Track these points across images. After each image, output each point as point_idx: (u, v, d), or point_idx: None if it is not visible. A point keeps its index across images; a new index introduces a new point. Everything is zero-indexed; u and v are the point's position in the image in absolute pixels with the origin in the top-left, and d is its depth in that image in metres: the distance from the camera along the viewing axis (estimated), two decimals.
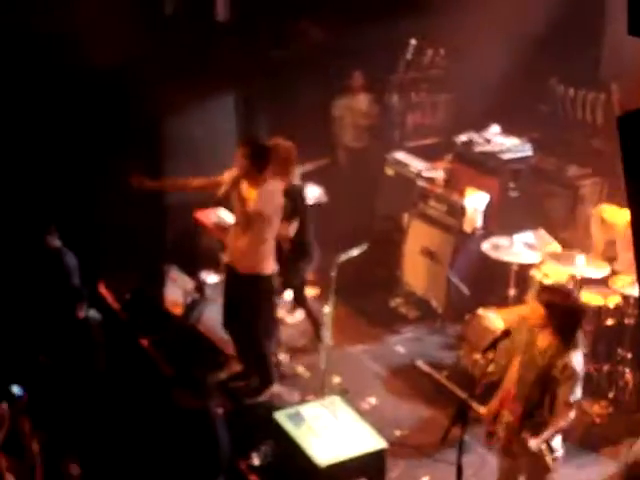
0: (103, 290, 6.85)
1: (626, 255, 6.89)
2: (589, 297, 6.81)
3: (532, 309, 5.11)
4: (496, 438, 5.23)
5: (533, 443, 4.96)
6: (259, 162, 6.44)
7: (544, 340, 5.07)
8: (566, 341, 5.01)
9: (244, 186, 6.51)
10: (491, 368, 5.65)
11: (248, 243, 6.45)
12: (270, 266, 6.61)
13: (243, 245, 6.47)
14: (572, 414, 5.00)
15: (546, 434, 5.01)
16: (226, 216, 8.21)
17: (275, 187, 6.56)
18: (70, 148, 8.33)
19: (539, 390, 5.05)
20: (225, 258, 6.93)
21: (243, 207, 6.47)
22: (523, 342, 5.17)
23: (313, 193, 9.01)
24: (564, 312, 5.03)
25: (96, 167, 8.49)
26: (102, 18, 7.83)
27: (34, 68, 8.05)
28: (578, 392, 5.02)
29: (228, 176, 6.48)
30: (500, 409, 5.18)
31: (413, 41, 9.48)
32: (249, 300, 6.61)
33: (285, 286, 7.28)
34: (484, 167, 8.48)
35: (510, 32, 8.88)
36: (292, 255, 7.10)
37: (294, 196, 6.93)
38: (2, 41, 7.84)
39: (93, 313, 7.31)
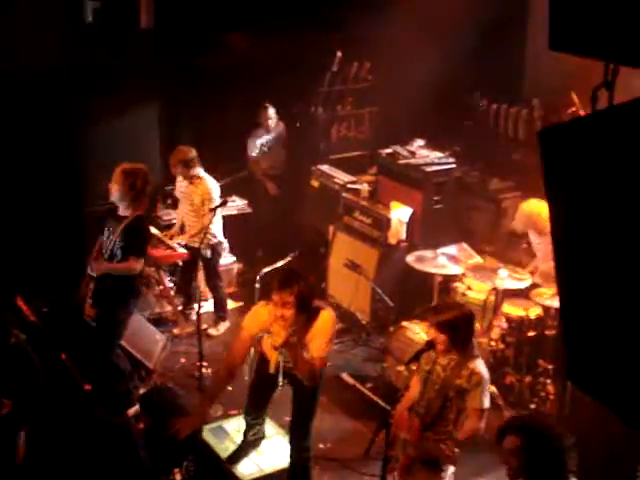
0: (20, 303, 6.66)
1: (545, 265, 7.01)
2: (511, 309, 6.90)
3: (434, 336, 5.14)
4: (395, 460, 5.23)
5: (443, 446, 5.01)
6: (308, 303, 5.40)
7: (445, 356, 5.12)
8: (463, 349, 5.07)
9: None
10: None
11: None
12: None
13: None
14: (483, 423, 5.04)
15: (457, 441, 5.05)
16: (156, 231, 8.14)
17: None
18: None
19: (440, 403, 5.08)
20: None
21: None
22: (428, 362, 5.21)
23: (237, 204, 9.00)
24: (460, 329, 5.08)
25: (13, 175, 8.30)
26: (20, 24, 7.66)
27: None
28: (487, 399, 5.08)
29: (254, 325, 5.56)
30: (396, 432, 5.17)
31: (339, 54, 9.51)
32: None
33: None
34: (408, 180, 8.53)
35: (435, 46, 8.96)
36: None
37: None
38: None
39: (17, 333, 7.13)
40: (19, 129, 8.24)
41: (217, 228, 8.03)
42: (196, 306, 7.21)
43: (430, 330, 5.19)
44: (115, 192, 6.45)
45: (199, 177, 7.94)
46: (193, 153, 7.91)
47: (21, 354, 5.63)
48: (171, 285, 8.45)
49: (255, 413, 6.03)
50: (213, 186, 7.93)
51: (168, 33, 8.96)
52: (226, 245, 8.24)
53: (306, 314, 5.28)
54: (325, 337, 5.33)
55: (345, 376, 7.42)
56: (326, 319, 5.37)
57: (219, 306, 8.32)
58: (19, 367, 5.53)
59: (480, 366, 5.08)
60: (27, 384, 5.56)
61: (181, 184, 8.16)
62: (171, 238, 8.21)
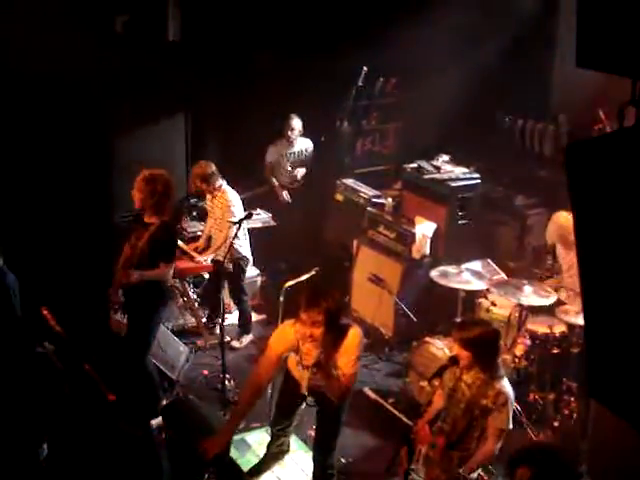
0: (46, 312, 6.69)
1: (571, 280, 6.97)
2: (535, 325, 6.85)
3: (457, 352, 5.12)
4: (416, 474, 5.21)
5: (473, 475, 4.98)
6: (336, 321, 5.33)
7: (469, 374, 5.10)
8: (491, 372, 5.05)
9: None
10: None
11: None
12: None
13: None
14: (500, 443, 5.03)
15: (474, 463, 5.03)
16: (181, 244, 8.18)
17: None
18: (18, 166, 8.23)
19: (466, 422, 5.07)
20: None
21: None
22: (451, 378, 5.19)
23: (261, 217, 9.02)
24: (485, 347, 5.07)
25: (44, 186, 8.39)
26: (52, 35, 7.74)
27: None
28: (510, 420, 5.06)
29: (281, 344, 5.48)
30: (416, 446, 5.15)
31: (365, 69, 9.53)
32: None
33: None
34: (433, 195, 8.52)
35: (461, 62, 8.98)
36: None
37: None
38: None
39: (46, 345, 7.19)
40: (48, 139, 8.34)
41: (242, 242, 8.05)
42: (220, 318, 7.21)
43: (454, 346, 5.17)
44: (137, 199, 6.49)
45: (220, 190, 7.98)
46: (212, 168, 7.93)
47: (47, 363, 5.67)
48: (195, 297, 8.48)
49: (281, 425, 6.02)
50: (233, 198, 7.95)
51: (196, 46, 9.03)
52: (250, 259, 8.25)
53: (335, 332, 5.24)
54: (353, 354, 5.29)
55: (367, 391, 7.40)
56: (354, 336, 5.33)
57: (243, 319, 8.34)
58: (44, 376, 5.57)
59: (506, 387, 5.06)
60: (51, 393, 5.59)
61: (207, 197, 8.21)
62: (197, 250, 8.25)
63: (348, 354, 5.28)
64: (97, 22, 8.64)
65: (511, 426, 5.07)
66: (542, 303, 6.84)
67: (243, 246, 8.08)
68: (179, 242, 8.13)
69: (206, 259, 8.09)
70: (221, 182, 7.99)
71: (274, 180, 9.56)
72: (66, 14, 7.92)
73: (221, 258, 7.85)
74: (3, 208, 7.94)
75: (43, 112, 8.20)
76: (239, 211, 7.91)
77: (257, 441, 6.46)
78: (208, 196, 8.14)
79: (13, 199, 8.14)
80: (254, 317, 8.47)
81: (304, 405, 5.74)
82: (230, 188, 8.05)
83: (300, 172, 9.57)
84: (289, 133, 9.40)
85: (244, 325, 8.32)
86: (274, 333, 5.58)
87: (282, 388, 5.87)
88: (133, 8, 8.92)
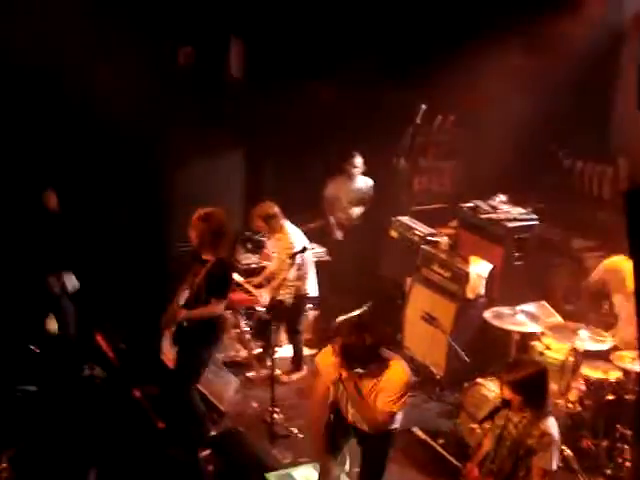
0: (99, 338, 6.78)
1: (627, 330, 6.84)
2: (590, 371, 6.73)
3: (507, 395, 5.04)
4: None
5: None
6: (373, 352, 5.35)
7: (516, 413, 5.03)
8: (537, 412, 4.97)
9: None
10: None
11: None
12: None
13: None
14: None
15: None
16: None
17: None
18: (81, 196, 8.38)
19: (512, 462, 5.00)
20: None
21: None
22: (500, 419, 5.12)
23: (316, 251, 9.03)
24: (534, 387, 5.00)
25: (106, 216, 8.53)
26: (114, 64, 7.91)
27: (47, 119, 8.14)
28: (555, 461, 4.97)
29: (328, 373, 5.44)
30: None
31: (423, 106, 9.54)
32: None
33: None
34: (489, 234, 8.46)
35: (521, 101, 8.95)
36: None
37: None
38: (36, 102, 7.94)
39: (98, 371, 7.29)
40: (109, 169, 8.49)
41: (309, 280, 8.06)
42: (271, 351, 7.22)
43: (504, 389, 5.09)
44: (194, 237, 6.57)
45: (282, 231, 7.99)
46: (274, 209, 7.92)
47: (92, 387, 5.73)
48: (247, 329, 8.50)
49: (328, 459, 5.98)
50: (295, 240, 7.92)
51: (256, 81, 9.14)
52: (316, 295, 8.22)
53: (374, 363, 5.24)
54: (394, 393, 5.25)
55: (416, 430, 7.32)
56: (398, 374, 5.29)
57: (296, 356, 8.31)
58: (88, 400, 5.62)
59: (552, 427, 4.98)
60: (95, 417, 5.64)
61: (268, 237, 8.22)
62: (252, 284, 8.26)
63: (389, 391, 5.25)
64: (160, 54, 8.81)
65: (555, 467, 4.97)
66: (598, 348, 6.72)
67: (309, 283, 8.07)
68: (236, 276, 8.20)
69: (262, 295, 8.09)
70: (282, 223, 8.00)
71: (331, 217, 9.57)
72: (130, 45, 8.07)
73: (282, 297, 7.88)
74: (68, 236, 8.09)
75: (104, 143, 8.37)
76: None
77: (304, 476, 6.42)
78: (269, 235, 8.15)
79: (77, 228, 8.29)
80: (305, 351, 8.46)
81: (351, 441, 5.71)
82: (293, 228, 8.05)
83: (357, 211, 9.58)
84: (351, 170, 9.43)
85: (296, 361, 8.29)
86: (320, 362, 5.57)
87: (329, 421, 5.85)
88: (197, 42, 9.08)
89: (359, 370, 5.21)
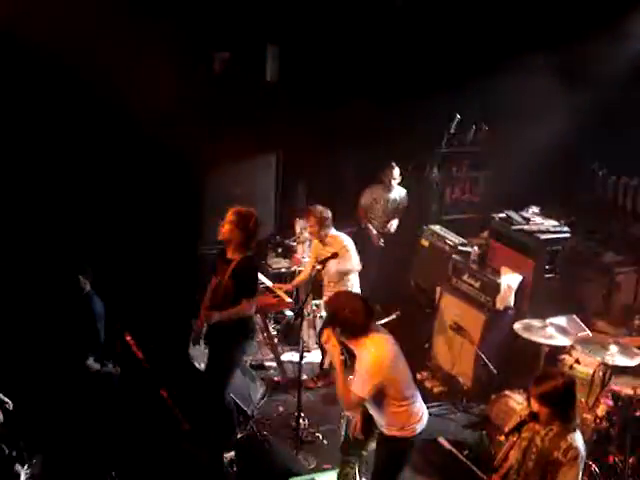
0: (128, 338, 6.84)
1: None
2: (619, 386, 6.67)
3: (536, 408, 5.01)
4: None
5: None
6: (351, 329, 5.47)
7: (544, 425, 4.99)
8: (564, 424, 4.94)
9: None
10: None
11: None
12: None
13: None
14: None
15: None
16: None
17: None
18: (113, 197, 8.46)
19: (538, 475, 4.96)
20: None
21: None
22: (527, 432, 5.08)
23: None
24: (563, 400, 4.97)
25: (136, 216, 8.60)
26: (151, 72, 7.97)
27: (83, 124, 8.23)
28: (580, 475, 4.93)
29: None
30: None
31: (458, 116, 9.52)
32: None
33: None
34: (520, 246, 8.42)
35: (555, 113, 8.91)
36: None
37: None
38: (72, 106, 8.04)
39: (110, 367, 7.35)
40: (142, 172, 8.56)
41: (350, 286, 8.03)
42: (299, 356, 7.22)
43: (532, 401, 5.06)
44: (226, 233, 6.55)
45: (332, 236, 7.96)
46: (329, 214, 7.91)
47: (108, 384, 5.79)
48: (275, 333, 8.52)
49: (348, 454, 6.02)
50: (348, 243, 7.93)
51: (291, 86, 9.17)
52: None
53: (355, 339, 5.35)
54: (363, 375, 5.28)
55: (442, 441, 7.30)
56: (370, 356, 5.29)
57: (324, 363, 8.29)
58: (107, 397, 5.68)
59: (578, 441, 4.94)
60: (117, 416, 5.69)
61: (314, 243, 8.20)
62: (282, 290, 8.28)
63: (359, 372, 5.31)
64: (196, 59, 8.86)
65: None
66: (628, 364, 6.66)
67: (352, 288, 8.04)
68: (264, 280, 8.22)
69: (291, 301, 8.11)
70: (332, 229, 8.02)
71: (370, 226, 9.56)
72: (166, 50, 8.13)
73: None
74: (98, 237, 8.17)
75: (138, 145, 8.43)
76: (355, 255, 7.93)
77: None
78: (316, 241, 8.12)
79: (108, 229, 8.37)
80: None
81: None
82: (343, 234, 8.07)
83: (394, 224, 9.58)
84: (389, 181, 9.43)
85: (324, 368, 8.26)
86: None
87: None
88: (233, 47, 9.13)
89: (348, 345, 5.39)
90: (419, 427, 5.53)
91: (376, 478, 5.72)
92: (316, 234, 7.98)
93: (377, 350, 5.31)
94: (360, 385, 5.28)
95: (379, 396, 5.37)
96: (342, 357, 5.41)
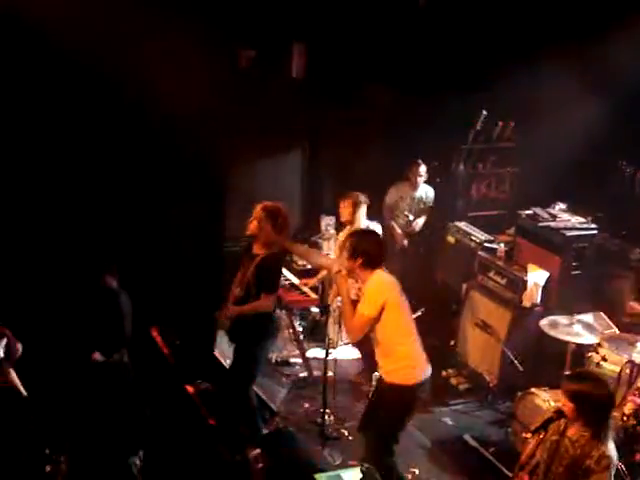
0: (155, 333, 6.86)
1: None
2: None
3: (563, 403, 4.99)
4: None
5: None
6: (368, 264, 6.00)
7: (575, 430, 4.95)
8: (597, 432, 4.90)
9: None
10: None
11: None
12: None
13: None
14: None
15: None
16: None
17: None
18: (138, 194, 8.50)
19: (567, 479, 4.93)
20: None
21: None
22: (555, 432, 5.05)
23: None
24: (592, 404, 4.92)
25: (162, 212, 8.63)
26: (176, 66, 7.99)
27: (109, 120, 8.27)
28: None
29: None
30: None
31: (484, 112, 9.48)
32: None
33: None
34: (547, 243, 8.37)
35: (583, 108, 8.85)
36: None
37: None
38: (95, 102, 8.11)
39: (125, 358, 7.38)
40: (165, 170, 8.59)
41: None
42: (324, 353, 7.23)
43: (561, 397, 5.04)
44: (254, 228, 6.56)
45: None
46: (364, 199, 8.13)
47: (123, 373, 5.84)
48: (301, 329, 8.53)
49: None
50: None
51: (318, 82, 9.17)
52: None
53: (368, 272, 5.84)
54: (369, 295, 5.78)
55: (468, 438, 7.29)
56: (371, 281, 5.82)
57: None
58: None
59: (611, 450, 4.90)
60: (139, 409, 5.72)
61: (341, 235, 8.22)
62: (307, 285, 8.28)
63: (365, 295, 5.82)
64: (222, 56, 8.88)
65: None
66: None
67: None
68: (290, 276, 8.23)
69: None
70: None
71: (394, 224, 9.53)
72: (191, 46, 8.16)
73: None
74: (122, 232, 8.21)
75: (163, 144, 8.46)
76: None
77: (353, 479, 6.42)
78: (328, 235, 8.16)
79: (134, 225, 8.40)
80: (357, 354, 8.46)
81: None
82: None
83: (420, 222, 9.56)
84: (415, 178, 9.40)
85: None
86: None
87: None
88: (259, 44, 9.14)
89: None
90: (421, 375, 5.85)
91: (380, 429, 5.95)
92: (349, 220, 8.03)
93: (382, 275, 5.89)
94: (367, 304, 5.76)
95: (382, 328, 5.77)
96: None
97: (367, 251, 5.83)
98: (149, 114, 8.22)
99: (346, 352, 8.48)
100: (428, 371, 5.92)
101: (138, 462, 6.04)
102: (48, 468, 5.26)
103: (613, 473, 4.91)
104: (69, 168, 8.20)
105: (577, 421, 4.95)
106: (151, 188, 8.59)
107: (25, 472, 5.19)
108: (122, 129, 8.40)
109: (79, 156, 8.22)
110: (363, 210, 8.12)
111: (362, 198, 8.13)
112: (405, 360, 5.80)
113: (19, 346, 5.78)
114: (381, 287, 5.81)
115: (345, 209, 8.12)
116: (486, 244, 8.72)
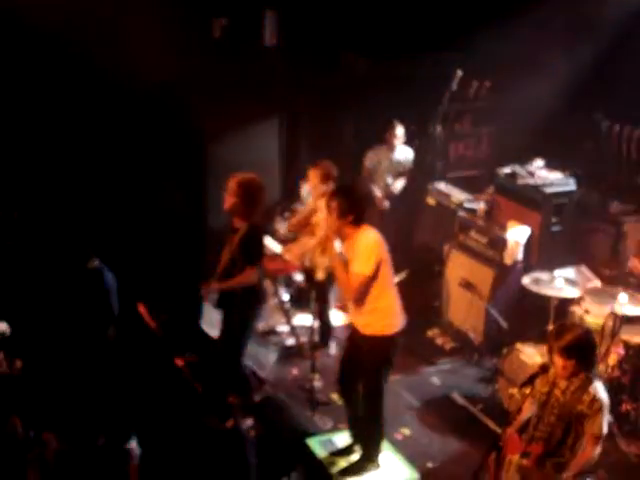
0: (141, 309, 6.88)
1: None
2: (629, 335, 6.71)
3: (558, 361, 5.02)
4: None
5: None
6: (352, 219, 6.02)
7: (563, 378, 5.02)
8: (589, 369, 4.97)
9: None
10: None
11: None
12: None
13: None
14: (598, 448, 4.94)
15: (575, 469, 4.95)
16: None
17: None
18: (116, 170, 8.46)
19: (562, 428, 4.99)
20: None
21: None
22: (544, 385, 5.11)
23: None
24: (590, 350, 5.01)
25: (141, 188, 8.61)
26: (149, 39, 7.92)
27: (80, 94, 8.20)
28: (606, 425, 4.97)
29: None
30: (505, 455, 5.12)
31: (459, 72, 9.47)
32: None
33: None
34: (527, 200, 8.43)
35: (557, 65, 8.87)
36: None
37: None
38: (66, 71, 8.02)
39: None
40: (144, 142, 8.55)
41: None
42: (311, 320, 7.26)
43: (553, 355, 5.04)
44: (229, 203, 6.54)
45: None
46: (335, 170, 7.83)
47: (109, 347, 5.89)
48: (286, 298, 8.56)
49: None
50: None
51: (291, 50, 9.13)
52: None
53: (355, 228, 5.86)
54: (364, 253, 5.77)
55: (455, 396, 7.37)
56: (363, 238, 5.84)
57: (323, 330, 8.17)
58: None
59: (601, 391, 4.96)
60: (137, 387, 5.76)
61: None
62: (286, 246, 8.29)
63: (357, 254, 5.78)
64: (195, 25, 8.82)
65: (605, 431, 4.97)
66: (638, 312, 6.70)
67: None
68: (273, 244, 8.22)
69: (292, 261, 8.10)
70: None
71: (375, 188, 9.50)
72: (163, 16, 8.09)
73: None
74: (106, 211, 8.18)
75: (138, 115, 8.41)
76: None
77: (345, 442, 6.50)
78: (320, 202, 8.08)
79: (114, 201, 8.38)
80: (342, 319, 8.48)
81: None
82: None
83: (399, 185, 9.55)
84: (392, 140, 9.37)
85: (323, 335, 8.03)
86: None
87: None
88: (231, 13, 9.08)
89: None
90: (399, 324, 5.99)
91: (368, 383, 6.09)
92: (319, 192, 7.87)
93: (372, 232, 5.92)
94: (363, 263, 5.76)
95: (372, 283, 5.80)
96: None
97: (355, 207, 5.86)
98: (122, 85, 8.16)
99: (333, 317, 8.50)
100: (404, 319, 6.07)
101: (136, 448, 6.08)
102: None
103: (606, 413, 4.96)
104: (45, 146, 8.15)
105: (576, 376, 4.98)
106: (129, 164, 8.56)
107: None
108: (95, 104, 8.34)
109: (54, 133, 8.16)
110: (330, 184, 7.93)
111: (333, 171, 7.92)
112: (385, 311, 5.93)
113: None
114: (374, 244, 5.85)
115: (314, 178, 7.97)
116: (466, 204, 8.75)
